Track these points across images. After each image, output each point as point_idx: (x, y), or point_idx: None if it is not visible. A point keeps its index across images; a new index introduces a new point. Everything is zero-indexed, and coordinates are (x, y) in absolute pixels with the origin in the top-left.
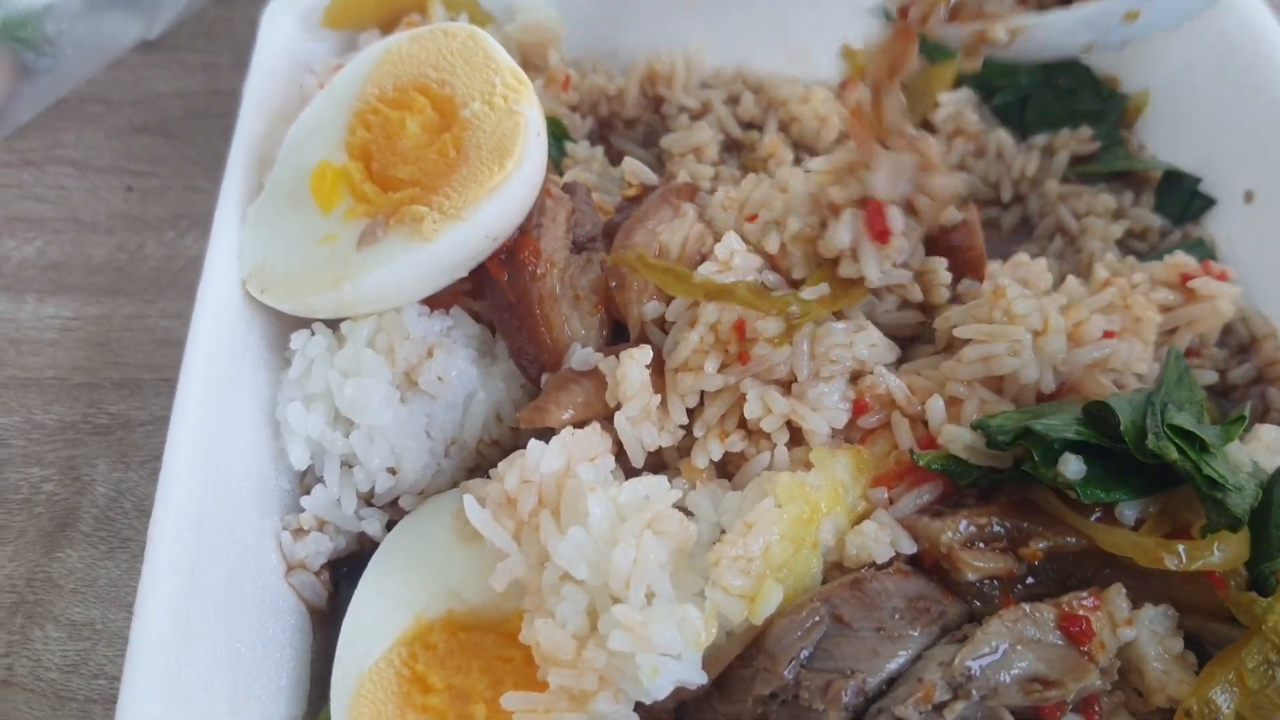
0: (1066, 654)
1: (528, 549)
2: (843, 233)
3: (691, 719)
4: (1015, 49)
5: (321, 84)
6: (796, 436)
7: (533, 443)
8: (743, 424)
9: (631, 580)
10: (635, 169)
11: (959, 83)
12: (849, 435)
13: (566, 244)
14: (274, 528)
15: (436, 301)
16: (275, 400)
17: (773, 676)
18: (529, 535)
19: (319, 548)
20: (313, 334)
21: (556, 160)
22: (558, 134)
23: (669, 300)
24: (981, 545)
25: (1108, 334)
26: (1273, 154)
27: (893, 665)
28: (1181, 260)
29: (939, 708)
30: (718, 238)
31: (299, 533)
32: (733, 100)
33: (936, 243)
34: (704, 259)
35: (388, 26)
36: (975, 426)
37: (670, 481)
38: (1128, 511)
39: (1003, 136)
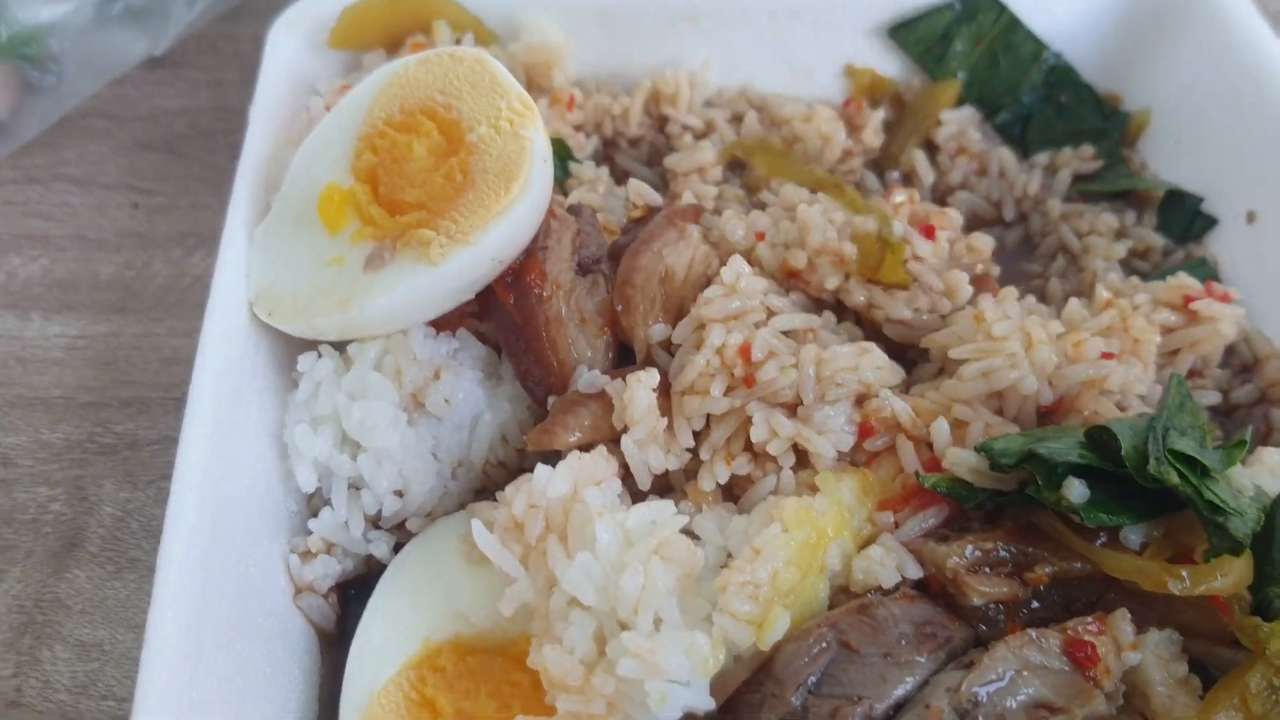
0: (1072, 679)
1: (535, 574)
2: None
3: None
4: None
5: (328, 106)
6: (802, 459)
7: (540, 467)
8: (749, 447)
9: (639, 606)
10: (640, 190)
11: (961, 101)
12: (854, 458)
13: (572, 266)
14: (282, 550)
15: (443, 323)
16: (283, 422)
17: (780, 703)
18: (536, 560)
19: (327, 570)
20: (320, 356)
21: (561, 181)
22: (562, 154)
23: (675, 322)
24: (987, 570)
25: (1106, 355)
26: (1275, 174)
27: (900, 691)
28: (1184, 282)
29: None
30: (723, 260)
31: (307, 555)
32: (736, 119)
33: None
34: (710, 281)
35: (393, 47)
36: (979, 449)
37: (676, 504)
38: (1132, 536)
39: (1005, 155)
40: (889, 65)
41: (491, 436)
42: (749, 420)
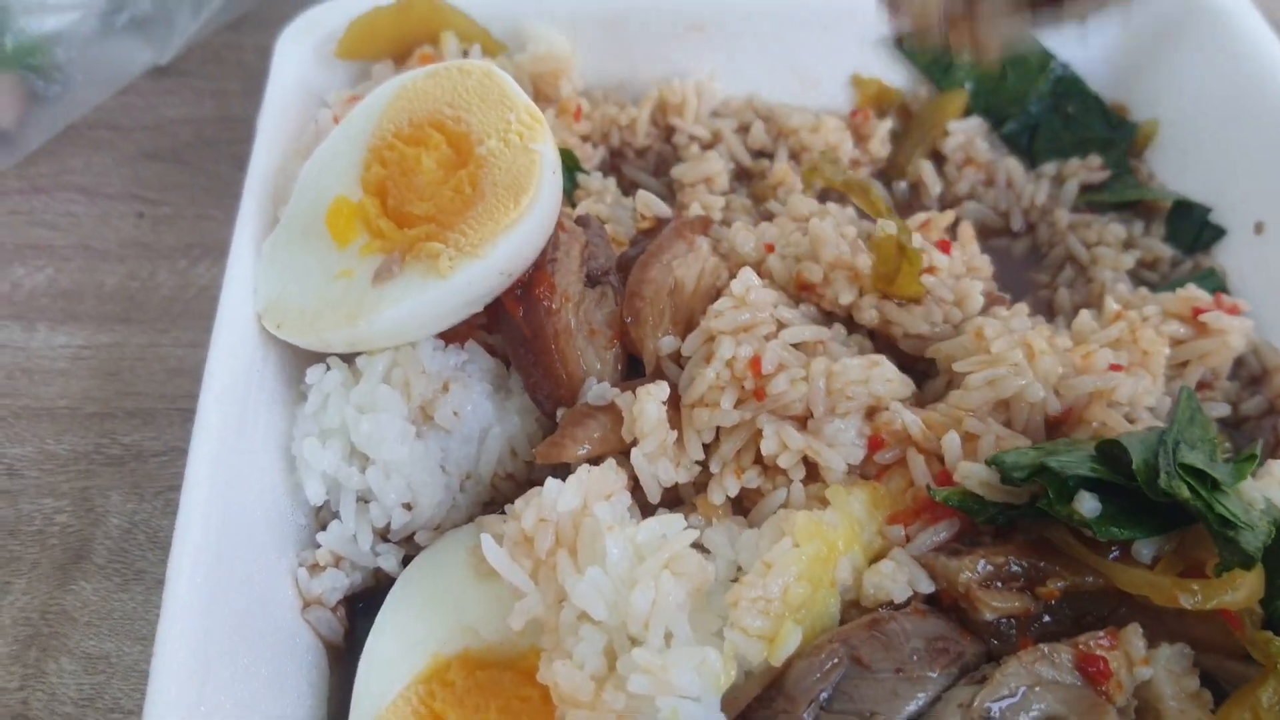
0: (1084, 694)
1: (545, 588)
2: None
3: None
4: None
5: (336, 117)
6: (813, 472)
7: (550, 481)
8: (759, 460)
9: (650, 622)
10: (648, 202)
11: (969, 111)
12: (865, 471)
13: (581, 278)
14: (290, 564)
15: (452, 336)
16: (291, 435)
17: (792, 719)
18: (546, 574)
19: (335, 584)
20: (328, 369)
21: (569, 191)
22: (570, 165)
23: (684, 335)
24: (999, 584)
25: (1114, 367)
26: None
27: (912, 707)
28: (1193, 294)
29: None
30: (733, 272)
31: (315, 568)
32: (743, 129)
33: None
34: (719, 293)
35: (401, 58)
36: (990, 463)
37: (686, 518)
38: (1144, 550)
39: (1012, 165)
40: (896, 75)
41: (500, 449)
42: (759, 433)
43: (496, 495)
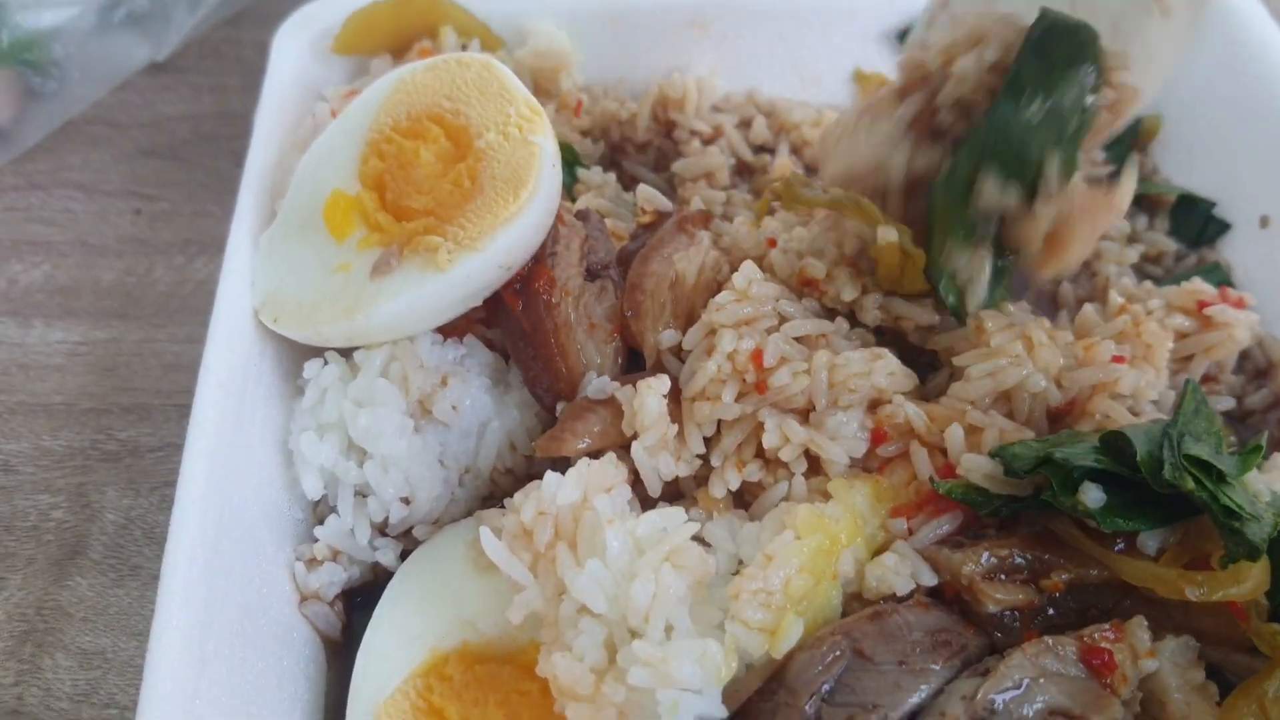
0: (1089, 686)
1: (544, 581)
2: None
3: None
4: None
5: (334, 111)
6: (814, 466)
7: (549, 474)
8: (760, 453)
9: (651, 614)
10: (649, 195)
11: None
12: (867, 464)
13: (580, 272)
14: (287, 558)
15: (450, 330)
16: (288, 429)
17: (794, 711)
18: (545, 567)
19: (333, 578)
20: (326, 363)
21: (568, 186)
22: (569, 160)
23: (684, 328)
24: (1003, 577)
25: (1116, 359)
26: None
27: (915, 699)
28: (1198, 287)
29: None
30: (734, 265)
31: (313, 563)
32: (744, 124)
33: None
34: (720, 286)
35: (399, 53)
36: (994, 454)
37: (687, 512)
38: (1149, 542)
39: None
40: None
41: (499, 444)
42: (760, 426)
43: (495, 490)
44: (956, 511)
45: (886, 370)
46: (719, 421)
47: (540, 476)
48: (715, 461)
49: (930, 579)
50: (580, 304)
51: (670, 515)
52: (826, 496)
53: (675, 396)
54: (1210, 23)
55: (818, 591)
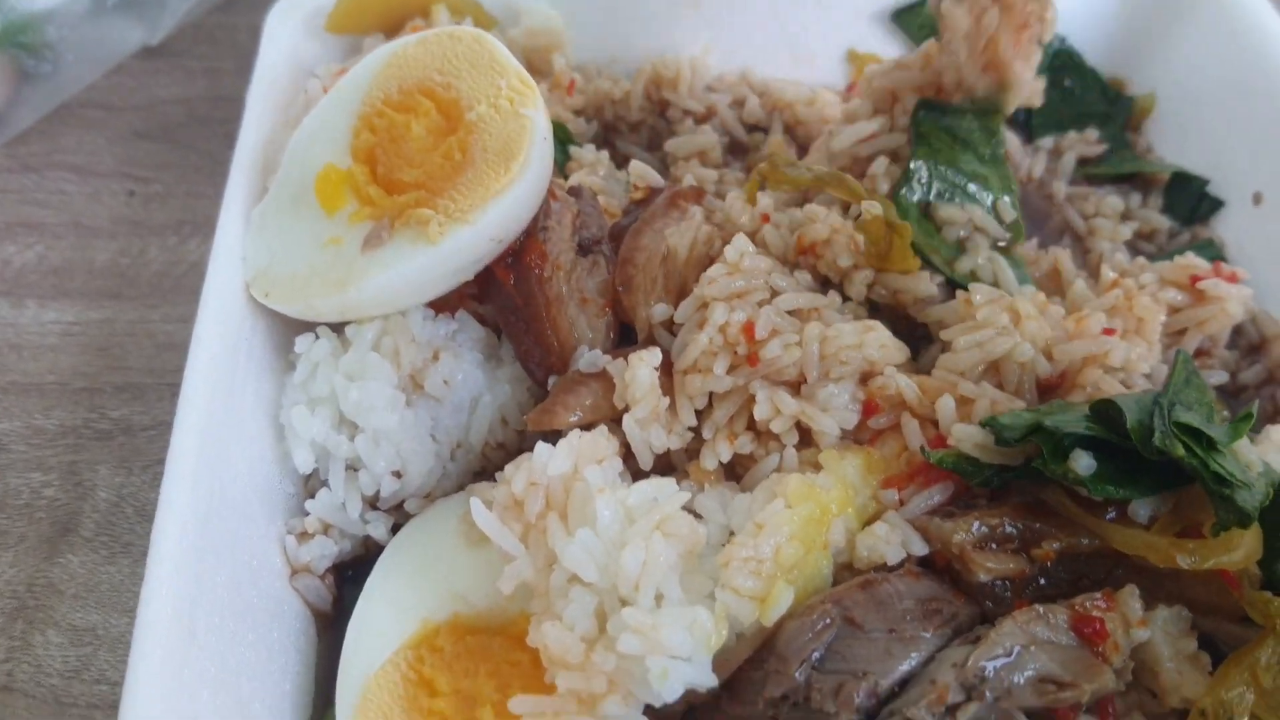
0: (1080, 655)
1: (535, 552)
2: None
3: None
4: None
5: (326, 88)
6: (806, 438)
7: (540, 445)
8: (752, 425)
9: (641, 583)
10: (642, 172)
11: None
12: (859, 436)
13: (572, 247)
14: (278, 531)
15: (442, 304)
16: (279, 404)
17: (784, 678)
18: (536, 538)
19: (324, 551)
20: (317, 337)
21: (561, 164)
22: (562, 138)
23: (676, 302)
24: (994, 546)
25: (1107, 332)
26: None
27: (905, 667)
28: (1191, 261)
29: (952, 709)
30: (726, 239)
31: (304, 536)
32: (738, 103)
33: None
34: (712, 261)
35: (392, 31)
36: (985, 424)
37: (678, 484)
38: (1141, 510)
39: (1010, 139)
40: (891, 49)
41: (491, 418)
42: (752, 399)
43: (487, 464)
44: (948, 482)
45: (878, 342)
46: (710, 394)
47: (531, 451)
48: (707, 434)
49: (921, 548)
50: (572, 278)
51: (661, 485)
52: (818, 468)
53: (667, 369)
54: (1203, 1)
55: (808, 560)
